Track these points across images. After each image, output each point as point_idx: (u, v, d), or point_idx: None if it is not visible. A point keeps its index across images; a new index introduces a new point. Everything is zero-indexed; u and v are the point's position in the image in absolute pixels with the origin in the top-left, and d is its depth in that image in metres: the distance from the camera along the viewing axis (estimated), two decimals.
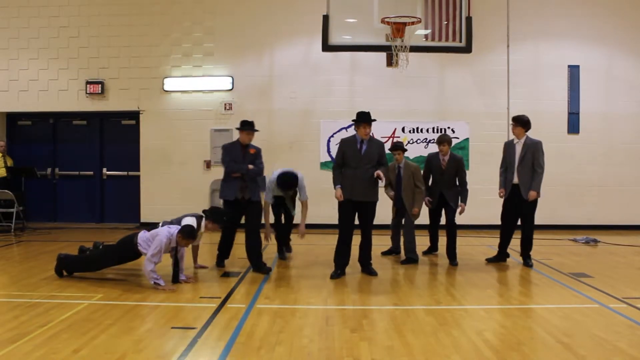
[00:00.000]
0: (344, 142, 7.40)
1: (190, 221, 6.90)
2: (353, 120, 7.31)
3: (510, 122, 8.14)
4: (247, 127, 7.45)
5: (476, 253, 8.83)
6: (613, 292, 6.29)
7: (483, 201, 10.51)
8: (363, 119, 7.12)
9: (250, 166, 7.36)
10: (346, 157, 7.20)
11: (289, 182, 7.76)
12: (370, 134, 7.26)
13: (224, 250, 7.67)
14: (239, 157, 7.39)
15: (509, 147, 7.99)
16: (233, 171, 7.35)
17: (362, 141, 7.19)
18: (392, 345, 4.56)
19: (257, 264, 7.34)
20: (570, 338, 4.75)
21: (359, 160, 7.14)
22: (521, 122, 7.85)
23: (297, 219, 8.25)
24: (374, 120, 7.19)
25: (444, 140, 8.16)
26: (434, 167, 8.21)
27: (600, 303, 5.89)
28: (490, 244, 8.68)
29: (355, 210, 7.21)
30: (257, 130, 7.59)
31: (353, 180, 7.11)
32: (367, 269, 7.30)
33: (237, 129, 7.57)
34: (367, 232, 7.31)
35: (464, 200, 8.09)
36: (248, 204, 7.38)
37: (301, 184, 7.91)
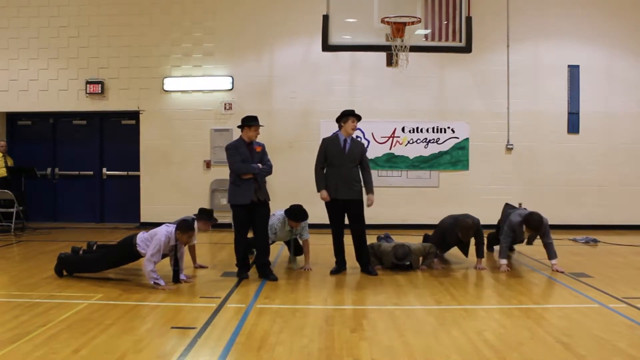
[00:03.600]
0: (326, 141, 7.39)
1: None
2: (337, 119, 7.32)
3: None
4: (254, 122, 6.97)
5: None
6: (613, 292, 6.29)
7: (483, 201, 10.52)
8: (351, 112, 7.22)
9: (260, 165, 7.00)
10: (329, 156, 7.23)
11: (301, 211, 7.36)
12: (353, 136, 7.33)
13: (245, 258, 7.13)
14: (247, 157, 6.92)
15: None
16: (244, 173, 6.88)
17: (346, 140, 7.23)
18: (392, 345, 4.56)
19: (264, 271, 7.02)
20: (570, 338, 4.75)
21: (343, 159, 7.17)
22: None
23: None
24: (360, 118, 7.31)
25: None
26: None
27: (600, 303, 5.89)
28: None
29: (342, 209, 7.24)
30: (262, 125, 7.11)
31: (337, 179, 7.15)
32: (366, 269, 7.30)
33: (242, 125, 7.02)
34: (358, 231, 7.29)
35: None
36: (260, 205, 7.02)
37: (304, 223, 7.50)
